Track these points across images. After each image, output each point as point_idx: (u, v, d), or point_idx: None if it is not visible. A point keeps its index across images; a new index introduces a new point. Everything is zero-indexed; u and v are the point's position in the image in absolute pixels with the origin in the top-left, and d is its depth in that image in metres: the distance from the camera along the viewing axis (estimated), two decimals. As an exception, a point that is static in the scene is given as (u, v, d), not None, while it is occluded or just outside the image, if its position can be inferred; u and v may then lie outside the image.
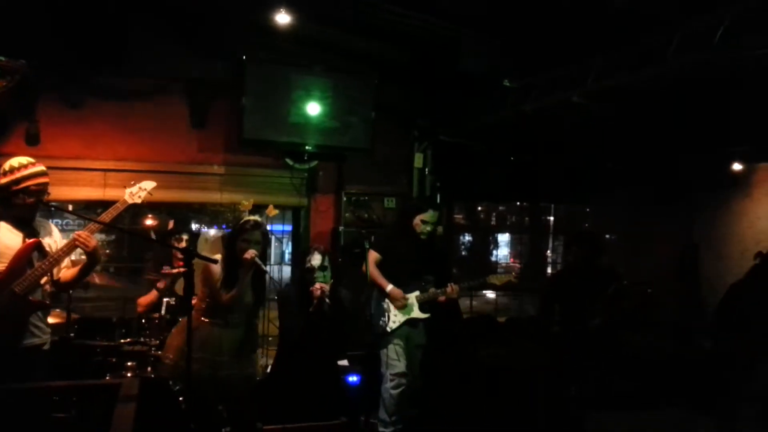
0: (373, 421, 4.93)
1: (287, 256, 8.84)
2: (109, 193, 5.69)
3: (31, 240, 3.51)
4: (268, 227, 6.21)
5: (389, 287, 4.88)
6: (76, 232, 3.57)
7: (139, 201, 3.81)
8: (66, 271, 3.75)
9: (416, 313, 4.91)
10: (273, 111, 5.94)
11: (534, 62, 5.35)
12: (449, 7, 5.12)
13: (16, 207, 3.51)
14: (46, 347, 3.65)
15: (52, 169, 3.68)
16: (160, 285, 5.12)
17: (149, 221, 8.31)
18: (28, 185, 3.49)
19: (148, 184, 3.83)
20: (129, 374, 4.69)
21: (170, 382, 4.25)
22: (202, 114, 6.16)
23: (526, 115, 5.50)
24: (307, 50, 6.14)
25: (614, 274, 5.43)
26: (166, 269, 5.18)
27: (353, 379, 5.22)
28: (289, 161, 6.39)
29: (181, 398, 4.28)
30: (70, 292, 4.55)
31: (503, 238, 15.17)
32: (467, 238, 13.81)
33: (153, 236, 6.73)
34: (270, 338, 6.51)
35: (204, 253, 4.17)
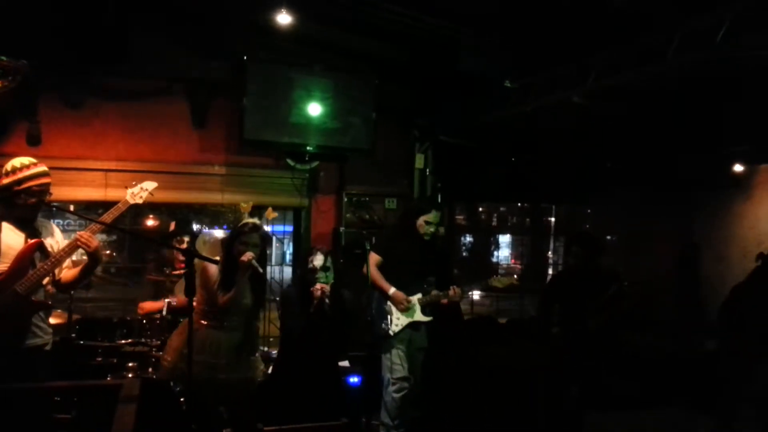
0: (374, 422, 4.92)
1: (288, 257, 8.85)
2: (110, 194, 5.71)
3: (34, 240, 3.51)
4: (269, 228, 6.24)
5: (391, 290, 4.81)
6: (78, 233, 3.57)
7: (140, 201, 3.81)
8: (67, 271, 3.75)
9: (419, 316, 4.85)
10: (274, 111, 5.94)
11: (534, 62, 5.35)
12: (449, 7, 5.12)
13: (18, 207, 3.51)
14: (47, 347, 3.65)
15: (53, 170, 3.67)
16: (173, 301, 5.06)
17: (150, 222, 8.33)
18: (30, 186, 3.49)
19: (150, 185, 3.84)
20: (130, 375, 4.69)
21: (171, 383, 4.26)
22: (203, 114, 6.17)
23: (526, 114, 5.50)
24: (307, 50, 6.15)
25: (614, 276, 5.43)
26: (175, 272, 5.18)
27: (354, 380, 5.22)
28: (290, 162, 6.39)
29: (182, 399, 4.29)
30: (72, 292, 4.55)
31: (504, 239, 15.18)
32: (468, 239, 13.82)
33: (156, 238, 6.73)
34: (271, 339, 6.53)
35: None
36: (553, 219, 10.88)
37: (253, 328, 4.30)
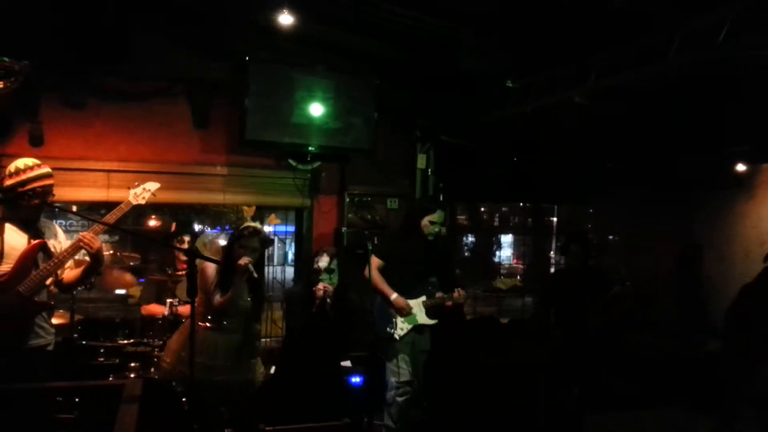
0: (376, 422, 4.92)
1: (290, 257, 8.86)
2: (113, 194, 5.71)
3: (37, 241, 3.53)
4: (271, 228, 6.25)
5: (393, 296, 4.77)
6: (81, 233, 3.59)
7: (143, 202, 3.83)
8: (69, 272, 3.76)
9: (423, 319, 4.83)
10: (275, 111, 5.94)
11: (534, 62, 5.35)
12: (449, 7, 5.12)
13: (22, 208, 3.53)
14: (50, 348, 3.66)
15: (56, 170, 3.69)
16: (176, 302, 5.07)
17: (152, 222, 8.36)
18: (33, 187, 3.50)
19: (152, 185, 3.86)
20: (132, 375, 4.71)
21: (173, 383, 4.27)
22: (204, 114, 6.17)
23: (527, 114, 5.50)
24: (308, 50, 6.15)
25: (616, 275, 5.44)
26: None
27: (356, 380, 5.22)
28: (291, 162, 6.40)
29: (184, 399, 4.30)
30: (74, 292, 4.57)
31: (506, 239, 15.18)
32: (470, 239, 13.81)
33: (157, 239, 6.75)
34: (273, 339, 6.53)
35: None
36: (555, 219, 10.88)
37: (253, 330, 4.31)
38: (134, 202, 3.78)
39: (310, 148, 6.15)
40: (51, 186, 3.59)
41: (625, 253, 8.59)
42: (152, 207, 6.95)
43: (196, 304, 3.56)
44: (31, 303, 3.47)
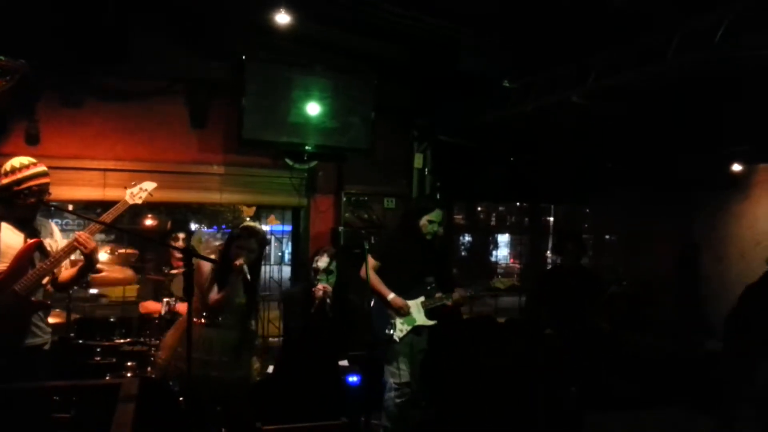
0: (373, 422, 4.91)
1: (287, 257, 8.85)
2: (109, 193, 5.69)
3: (33, 240, 3.51)
4: (268, 227, 6.23)
5: (390, 296, 4.75)
6: (77, 233, 3.57)
7: (139, 202, 3.82)
8: (65, 271, 3.75)
9: (422, 320, 4.81)
10: (273, 111, 5.93)
11: (533, 62, 5.35)
12: (449, 7, 5.11)
13: (18, 207, 3.51)
14: (46, 347, 3.65)
15: (52, 169, 3.68)
16: (172, 301, 5.05)
17: (149, 221, 8.34)
18: (29, 185, 3.49)
19: (149, 185, 3.84)
20: (129, 374, 4.69)
21: (170, 383, 4.26)
22: (202, 114, 6.16)
23: (526, 114, 5.50)
24: (307, 49, 6.14)
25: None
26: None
27: (353, 379, 5.21)
28: (288, 161, 6.39)
29: (180, 398, 4.29)
30: (70, 291, 4.56)
31: (503, 238, 15.16)
32: (467, 238, 13.79)
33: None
34: (270, 338, 6.52)
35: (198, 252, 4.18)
36: (551, 219, 10.87)
37: (248, 326, 4.31)
38: (131, 202, 3.77)
39: (307, 148, 6.14)
40: (47, 185, 3.57)
41: (624, 253, 8.60)
42: (149, 206, 6.93)
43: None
44: (28, 302, 3.45)
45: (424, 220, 4.85)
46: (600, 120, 5.68)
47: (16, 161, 3.53)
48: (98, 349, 4.82)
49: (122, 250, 8.89)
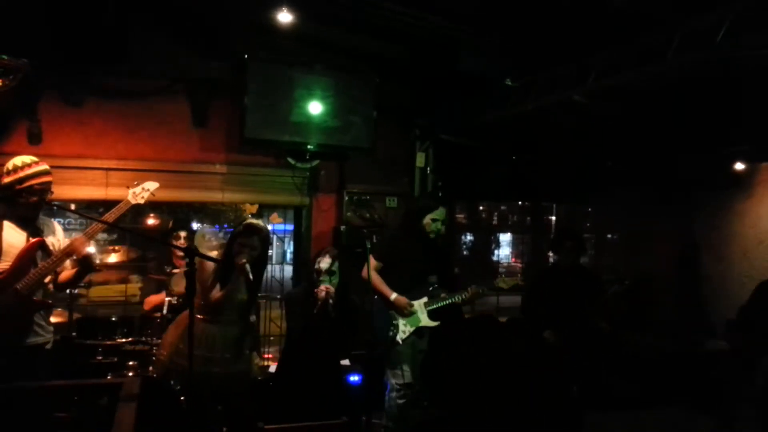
0: (375, 421, 4.91)
1: (289, 256, 8.86)
2: (111, 192, 5.71)
3: (35, 239, 3.52)
4: (270, 226, 6.24)
5: (393, 296, 4.72)
6: (74, 237, 3.58)
7: (142, 201, 3.82)
8: (66, 272, 3.76)
9: (426, 322, 4.77)
10: (274, 110, 5.94)
11: (534, 61, 5.35)
12: (449, 6, 5.12)
13: (20, 206, 3.53)
14: (48, 346, 3.66)
15: (54, 168, 3.69)
16: (173, 299, 5.05)
17: (150, 220, 8.35)
18: (31, 184, 3.50)
19: (151, 185, 3.85)
20: (130, 373, 4.70)
21: (171, 382, 4.27)
22: (204, 113, 6.17)
23: (527, 114, 5.50)
24: (308, 49, 6.14)
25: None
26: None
27: (354, 378, 5.21)
28: (290, 160, 6.40)
29: (182, 398, 4.29)
30: (73, 291, 4.57)
31: (505, 237, 15.15)
32: (469, 237, 13.78)
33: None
34: (271, 338, 6.54)
35: (201, 249, 4.18)
36: (553, 218, 10.86)
37: (249, 322, 4.31)
38: (133, 202, 3.78)
39: (309, 147, 6.14)
40: (49, 183, 3.58)
41: (624, 253, 8.59)
42: (150, 205, 6.93)
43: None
44: (30, 301, 3.47)
45: (427, 219, 4.80)
46: (600, 120, 5.68)
47: (18, 160, 3.54)
48: (100, 349, 4.84)
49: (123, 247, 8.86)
